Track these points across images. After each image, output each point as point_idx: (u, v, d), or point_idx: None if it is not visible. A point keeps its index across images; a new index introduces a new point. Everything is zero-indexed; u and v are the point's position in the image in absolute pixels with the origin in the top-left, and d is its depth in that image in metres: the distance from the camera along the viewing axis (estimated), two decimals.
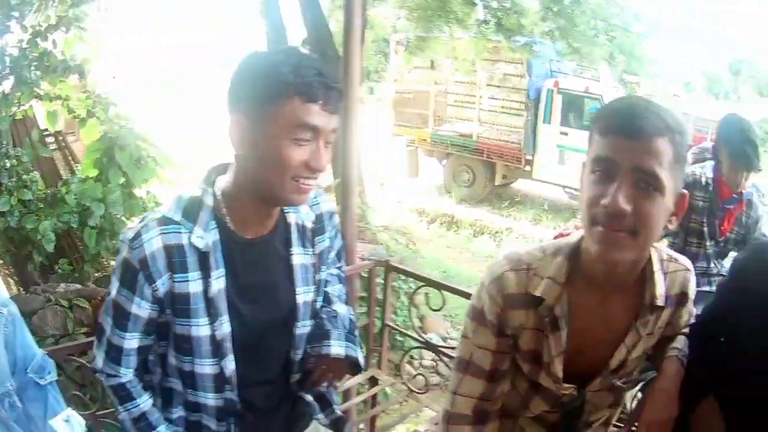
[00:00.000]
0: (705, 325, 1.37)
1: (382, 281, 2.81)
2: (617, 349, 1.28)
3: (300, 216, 1.39)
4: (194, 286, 1.24)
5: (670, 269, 1.30)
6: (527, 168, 10.23)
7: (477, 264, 7.42)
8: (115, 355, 1.28)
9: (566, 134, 9.78)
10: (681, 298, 1.33)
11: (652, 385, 1.33)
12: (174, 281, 1.23)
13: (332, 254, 1.53)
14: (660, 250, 1.31)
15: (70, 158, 5.49)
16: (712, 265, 2.91)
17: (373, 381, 2.81)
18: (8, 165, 3.18)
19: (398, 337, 3.66)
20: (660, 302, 1.25)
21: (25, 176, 3.25)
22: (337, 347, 1.43)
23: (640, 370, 1.42)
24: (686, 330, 1.39)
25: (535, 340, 1.28)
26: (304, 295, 1.39)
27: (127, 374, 1.30)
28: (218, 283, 1.25)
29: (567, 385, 1.31)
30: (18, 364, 1.29)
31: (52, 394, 1.35)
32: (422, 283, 2.67)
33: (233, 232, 1.27)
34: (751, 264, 1.34)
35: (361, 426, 2.88)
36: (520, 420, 1.43)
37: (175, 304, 1.25)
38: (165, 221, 1.22)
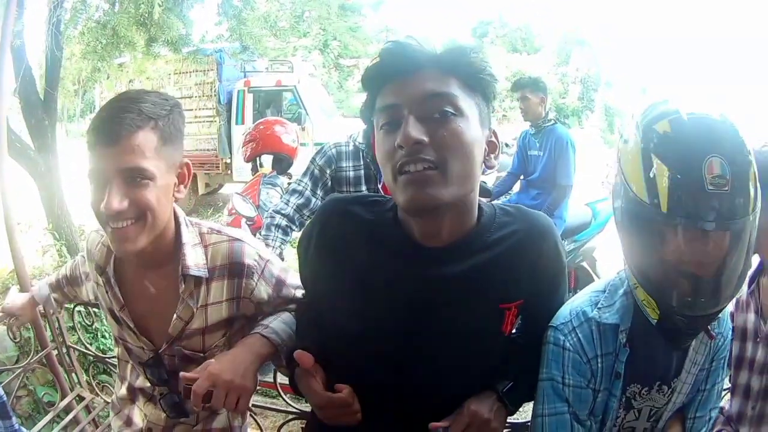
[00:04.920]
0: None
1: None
2: (173, 319, 1.33)
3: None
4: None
5: (211, 241, 1.33)
6: (229, 172, 10.06)
7: None
8: None
9: None
10: (234, 269, 1.32)
11: (234, 348, 1.27)
12: None
13: None
14: (201, 224, 1.37)
15: None
16: None
17: (80, 399, 2.80)
18: None
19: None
20: (194, 272, 1.29)
21: None
22: None
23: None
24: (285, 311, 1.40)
25: (106, 299, 1.41)
26: None
27: None
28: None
29: (144, 339, 1.37)
30: None
31: None
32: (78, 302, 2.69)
33: None
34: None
35: None
36: (138, 402, 1.52)
37: None
38: None
